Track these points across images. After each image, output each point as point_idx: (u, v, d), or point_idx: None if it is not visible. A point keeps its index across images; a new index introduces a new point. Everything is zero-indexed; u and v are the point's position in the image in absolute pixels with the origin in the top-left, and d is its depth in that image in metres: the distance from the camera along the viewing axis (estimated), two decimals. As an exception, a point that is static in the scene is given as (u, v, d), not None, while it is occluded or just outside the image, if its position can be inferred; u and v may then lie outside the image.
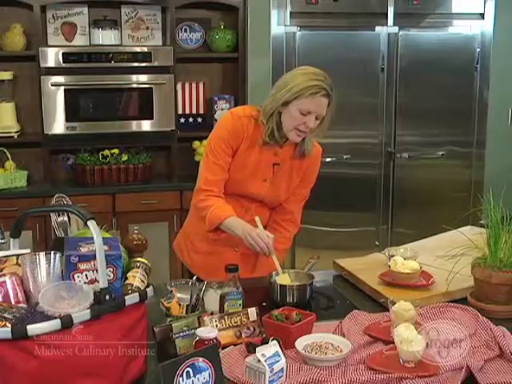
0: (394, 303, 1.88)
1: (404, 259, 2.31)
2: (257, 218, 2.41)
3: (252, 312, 1.89)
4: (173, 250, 2.81)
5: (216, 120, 4.35)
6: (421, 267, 2.28)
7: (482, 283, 2.10)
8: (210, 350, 1.55)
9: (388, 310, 1.92)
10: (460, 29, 4.58)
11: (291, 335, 1.77)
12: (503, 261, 2.06)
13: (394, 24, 4.39)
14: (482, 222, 2.32)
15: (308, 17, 4.30)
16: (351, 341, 1.79)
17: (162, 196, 4.22)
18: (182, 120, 4.49)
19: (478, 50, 4.57)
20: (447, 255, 2.15)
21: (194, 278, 2.03)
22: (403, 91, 4.49)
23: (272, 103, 2.39)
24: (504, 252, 2.07)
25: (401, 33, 4.42)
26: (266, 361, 1.57)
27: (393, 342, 1.73)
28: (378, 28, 4.40)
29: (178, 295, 1.94)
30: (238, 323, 1.86)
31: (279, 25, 4.27)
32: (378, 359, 1.71)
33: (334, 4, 4.29)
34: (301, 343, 1.74)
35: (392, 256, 2.37)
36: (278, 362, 1.60)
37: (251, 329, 1.87)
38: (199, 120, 4.55)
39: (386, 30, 4.40)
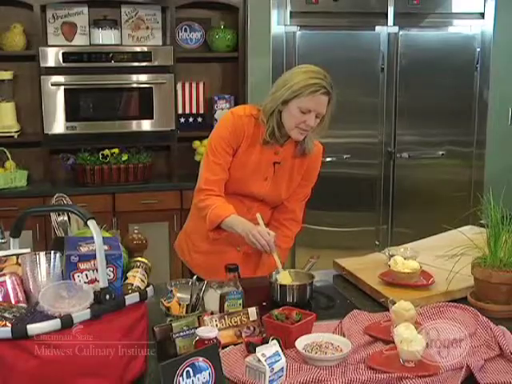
0: (393, 303, 1.88)
1: (404, 259, 2.31)
2: (258, 215, 2.40)
3: (252, 312, 1.89)
4: (173, 249, 2.81)
5: (216, 120, 4.35)
6: (421, 267, 2.28)
7: (482, 283, 2.10)
8: (210, 350, 1.55)
9: (388, 310, 1.92)
10: (460, 28, 4.58)
11: (291, 335, 1.77)
12: (503, 260, 2.06)
13: (394, 24, 4.39)
14: (482, 221, 2.33)
15: (308, 16, 4.30)
16: (351, 340, 1.79)
17: (162, 196, 4.22)
18: (182, 120, 4.49)
19: (478, 49, 4.57)
20: (447, 255, 2.15)
21: (194, 277, 2.03)
22: (403, 91, 4.49)
23: (272, 102, 2.39)
24: (504, 252, 2.07)
25: (401, 33, 4.42)
26: (265, 360, 1.57)
27: (393, 342, 1.73)
28: (378, 28, 4.40)
29: (178, 295, 1.94)
30: (238, 323, 1.86)
31: (279, 24, 4.27)
32: (378, 359, 1.71)
33: (333, 4, 4.29)
34: (301, 343, 1.74)
35: (392, 256, 2.37)
36: (277, 361, 1.59)
37: (251, 328, 1.86)
38: (199, 120, 4.55)
39: (386, 29, 4.40)
